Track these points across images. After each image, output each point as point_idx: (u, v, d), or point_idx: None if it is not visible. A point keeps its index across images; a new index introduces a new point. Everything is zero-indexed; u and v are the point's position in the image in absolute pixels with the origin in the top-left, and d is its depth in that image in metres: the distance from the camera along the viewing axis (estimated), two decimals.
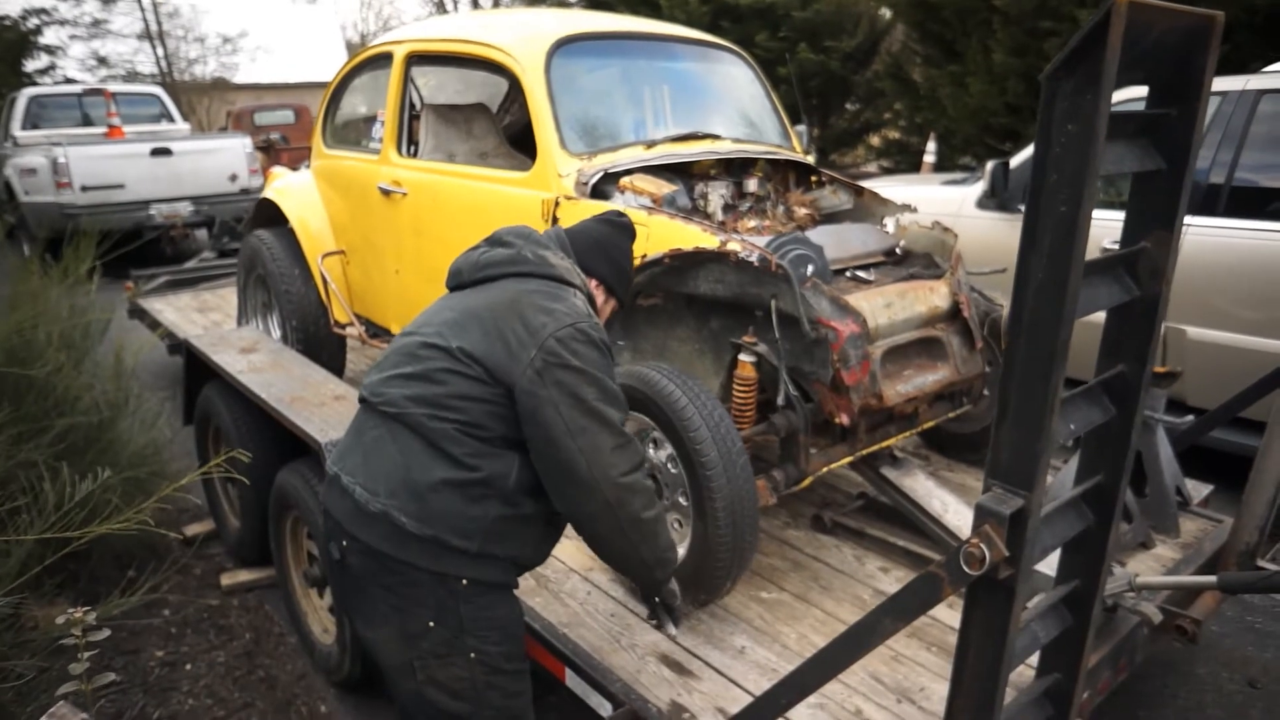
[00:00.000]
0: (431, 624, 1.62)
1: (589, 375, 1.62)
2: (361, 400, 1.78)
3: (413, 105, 3.59)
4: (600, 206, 2.62)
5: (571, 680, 2.11)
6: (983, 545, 1.30)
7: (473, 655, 1.64)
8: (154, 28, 22.31)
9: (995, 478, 1.33)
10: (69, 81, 16.99)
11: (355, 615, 1.75)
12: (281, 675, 2.79)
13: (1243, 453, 2.40)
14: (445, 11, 21.90)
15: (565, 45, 2.98)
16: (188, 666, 2.84)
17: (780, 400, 2.29)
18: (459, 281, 1.82)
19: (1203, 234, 3.93)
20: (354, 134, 4.08)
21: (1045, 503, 1.52)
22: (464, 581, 1.63)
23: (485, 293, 1.74)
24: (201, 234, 9.23)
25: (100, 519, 2.15)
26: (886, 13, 11.03)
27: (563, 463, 1.60)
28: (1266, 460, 2.34)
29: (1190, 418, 2.89)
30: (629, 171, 2.76)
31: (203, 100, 21.94)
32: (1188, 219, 3.97)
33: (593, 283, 1.92)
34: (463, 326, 1.68)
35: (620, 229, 2.01)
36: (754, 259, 2.25)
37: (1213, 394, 3.75)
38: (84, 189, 8.51)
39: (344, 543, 1.68)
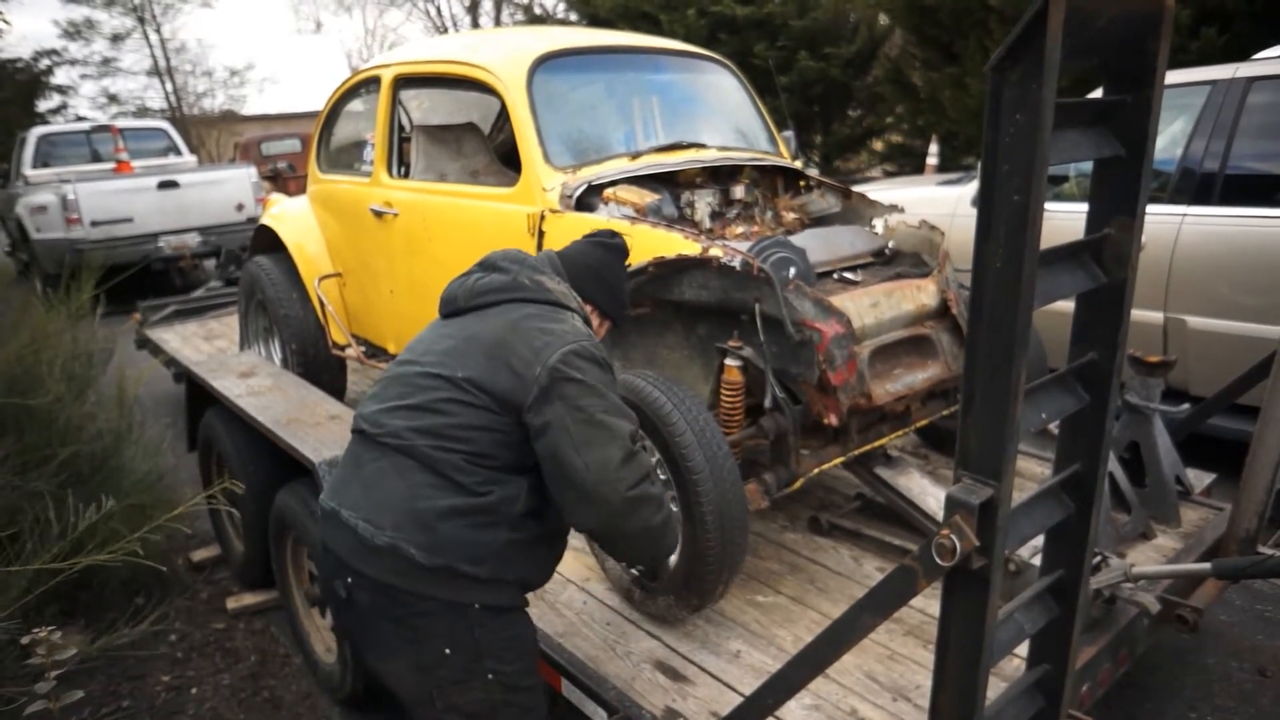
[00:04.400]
0: (448, 651, 1.62)
1: (593, 389, 1.61)
2: (357, 431, 1.76)
3: (403, 127, 3.64)
4: (585, 219, 2.65)
5: (567, 689, 2.12)
6: (953, 536, 1.30)
7: (490, 677, 1.64)
8: (162, 64, 22.73)
9: (964, 468, 1.34)
10: (80, 119, 17.28)
11: (366, 650, 1.74)
12: (286, 696, 2.81)
13: (1244, 439, 2.38)
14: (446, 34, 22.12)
15: (547, 61, 3.02)
16: (194, 690, 2.86)
17: (768, 403, 2.30)
18: (454, 308, 1.81)
19: (1199, 223, 3.91)
20: (347, 158, 4.13)
21: (1031, 492, 1.53)
22: (476, 606, 1.62)
23: (484, 320, 1.73)
24: (210, 264, 9.33)
25: (91, 548, 2.17)
26: (884, 18, 11.06)
27: (572, 479, 1.59)
28: (1262, 445, 2.33)
29: (1186, 406, 2.87)
30: (613, 183, 2.78)
31: (211, 133, 22.29)
32: (1184, 209, 3.98)
33: (587, 307, 1.91)
34: (466, 355, 1.67)
35: (612, 251, 2.00)
36: (736, 263, 2.26)
37: (1215, 383, 3.71)
38: (93, 224, 8.65)
39: (349, 579, 1.65)
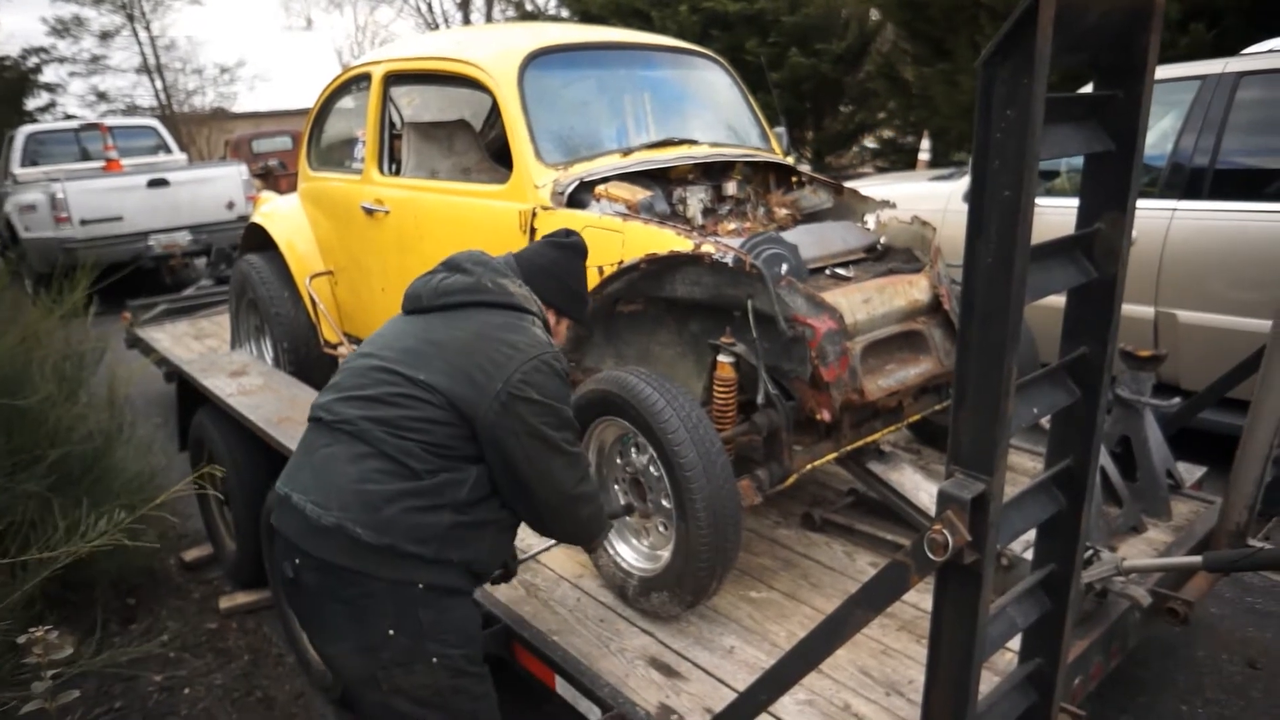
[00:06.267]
0: (391, 632, 1.64)
1: (548, 407, 1.72)
2: (313, 419, 1.80)
3: (394, 124, 3.62)
4: (577, 215, 2.64)
5: (561, 687, 2.12)
6: (946, 531, 1.30)
7: (435, 660, 1.66)
8: (152, 61, 22.59)
9: (956, 463, 1.34)
10: (68, 118, 17.18)
11: (314, 632, 1.77)
12: (279, 695, 2.80)
13: (1234, 433, 2.39)
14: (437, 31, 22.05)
15: (538, 58, 3.01)
16: (186, 690, 2.85)
17: (760, 399, 2.30)
18: (417, 306, 1.85)
19: (1189, 218, 3.93)
20: (338, 155, 4.12)
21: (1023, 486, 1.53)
22: (420, 586, 1.65)
23: (448, 324, 1.79)
24: (200, 262, 9.29)
25: (73, 540, 2.15)
26: (875, 14, 11.07)
27: (519, 483, 1.74)
28: (1251, 439, 2.34)
29: (1176, 400, 2.88)
30: (605, 179, 2.78)
31: (202, 130, 22.16)
32: (1174, 203, 3.99)
33: (545, 309, 1.97)
34: (425, 358, 1.73)
35: (566, 250, 2.04)
36: (728, 260, 2.26)
37: (1206, 377, 3.72)
38: (83, 223, 8.60)
39: (296, 560, 1.69)
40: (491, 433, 1.68)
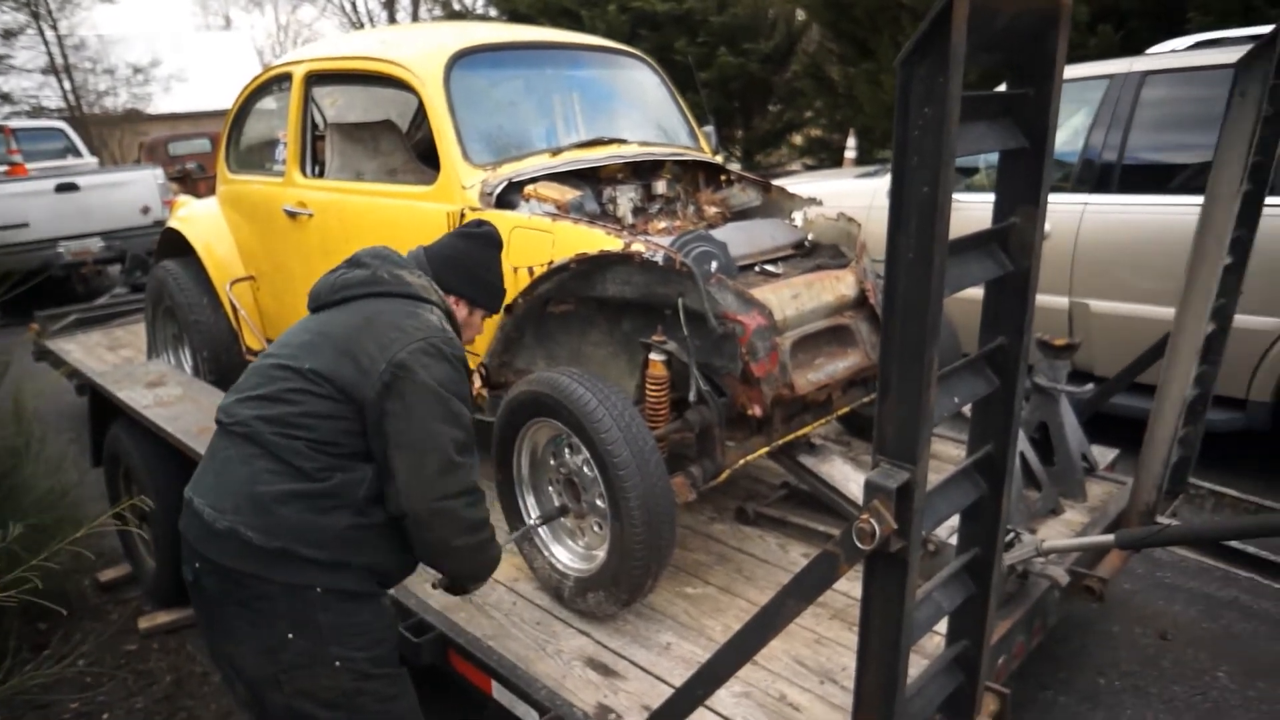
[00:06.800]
0: (290, 635, 1.62)
1: (432, 392, 1.65)
2: (217, 423, 1.78)
3: (316, 125, 3.54)
4: (506, 216, 2.62)
5: (498, 692, 2.09)
6: (872, 520, 1.33)
7: (338, 664, 1.64)
8: (59, 61, 21.58)
9: (882, 453, 1.36)
10: None
11: (214, 635, 1.74)
12: (205, 715, 2.71)
13: (1143, 417, 2.50)
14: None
15: (465, 58, 2.97)
16: (105, 716, 2.73)
17: (693, 396, 2.31)
18: (318, 304, 1.85)
19: (1100, 211, 4.09)
20: (258, 157, 4.00)
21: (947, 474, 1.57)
22: (318, 590, 1.63)
23: (341, 313, 1.78)
24: (114, 270, 8.93)
25: None
26: (801, 14, 11.24)
27: (390, 475, 1.65)
28: (1158, 422, 2.45)
29: (1090, 386, 3.00)
30: (534, 180, 2.76)
31: (114, 133, 21.27)
32: (1085, 198, 4.15)
33: (451, 299, 1.96)
34: (316, 348, 1.72)
35: (476, 240, 2.05)
36: (658, 258, 2.27)
37: (1118, 363, 3.89)
38: None
39: (196, 565, 1.68)
40: (374, 415, 1.64)
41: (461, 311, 2.00)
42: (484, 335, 2.66)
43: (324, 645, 1.63)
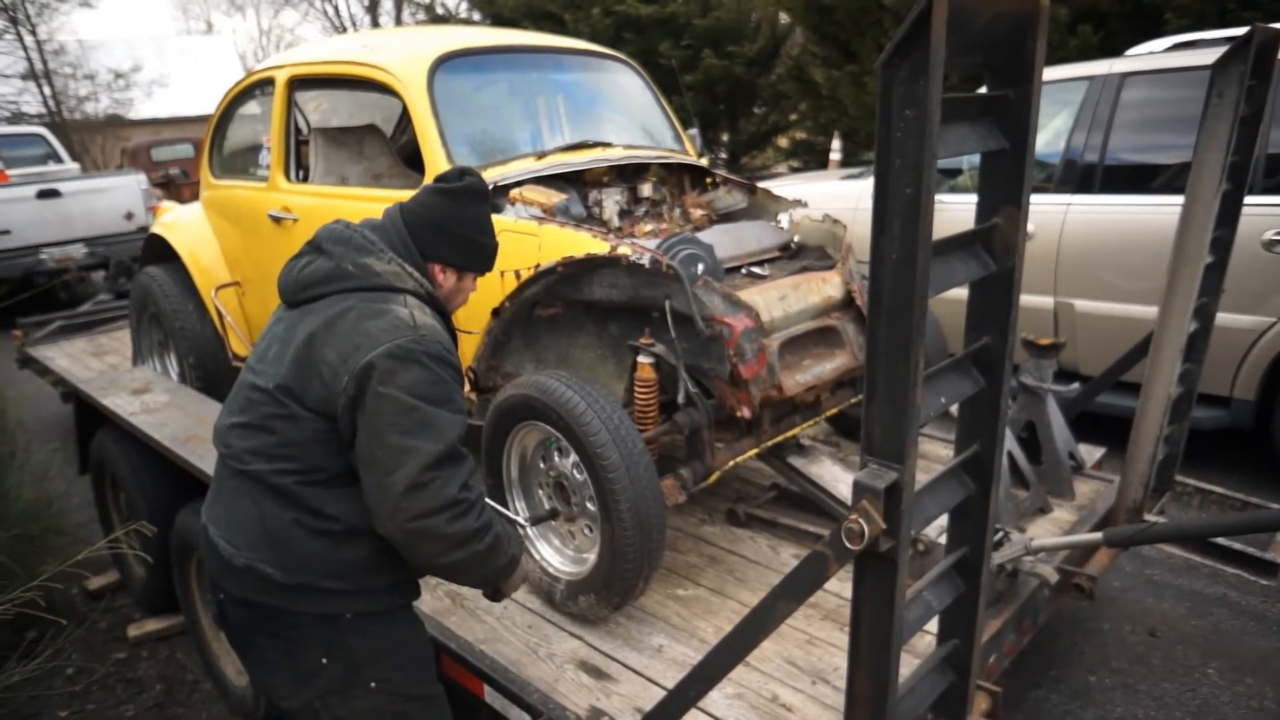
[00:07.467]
0: (325, 661, 1.58)
1: (397, 403, 1.49)
2: (215, 447, 1.73)
3: (300, 130, 3.52)
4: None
5: (490, 696, 2.09)
6: (861, 520, 1.34)
7: (374, 685, 1.60)
8: (39, 66, 21.39)
9: (869, 454, 1.37)
10: None
11: (248, 663, 1.72)
12: None
13: (1129, 415, 2.52)
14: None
15: (448, 61, 2.97)
16: None
17: (681, 399, 2.32)
18: (285, 299, 1.72)
19: (1082, 211, 4.12)
20: (242, 162, 3.98)
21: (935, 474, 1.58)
22: (348, 616, 1.59)
23: (305, 319, 1.63)
24: (98, 276, 8.86)
25: None
26: (784, 17, 11.28)
27: (365, 492, 1.53)
28: (1144, 420, 2.47)
29: (1076, 385, 3.03)
30: (519, 183, 2.76)
31: (96, 139, 21.11)
32: (1068, 198, 4.19)
33: (435, 267, 1.78)
34: (280, 361, 1.61)
35: (455, 196, 1.77)
36: (645, 261, 2.27)
37: (1103, 362, 3.92)
38: None
39: (220, 596, 1.65)
40: (346, 431, 1.54)
41: (449, 279, 1.81)
42: (472, 340, 2.66)
43: (358, 669, 1.59)
